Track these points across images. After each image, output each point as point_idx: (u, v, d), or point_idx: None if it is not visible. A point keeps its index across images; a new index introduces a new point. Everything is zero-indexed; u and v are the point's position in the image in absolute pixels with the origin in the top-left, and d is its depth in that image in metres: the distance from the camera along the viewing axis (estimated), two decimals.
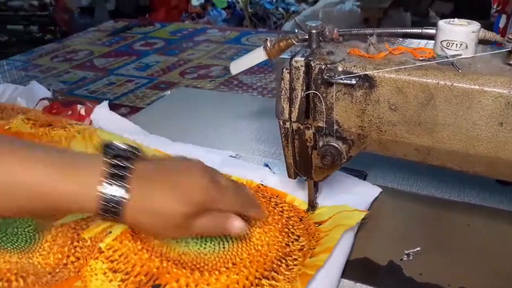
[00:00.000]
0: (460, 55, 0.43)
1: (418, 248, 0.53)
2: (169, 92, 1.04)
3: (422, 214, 0.60)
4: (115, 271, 0.49)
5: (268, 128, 0.82)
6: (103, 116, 0.84)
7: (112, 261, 0.50)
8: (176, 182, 0.44)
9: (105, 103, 0.88)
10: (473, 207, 0.60)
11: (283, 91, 0.51)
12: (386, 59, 0.45)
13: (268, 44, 0.56)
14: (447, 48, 0.44)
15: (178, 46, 1.38)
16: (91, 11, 2.79)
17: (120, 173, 0.42)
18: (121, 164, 0.42)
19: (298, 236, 0.55)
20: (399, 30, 0.47)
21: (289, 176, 0.60)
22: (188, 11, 2.28)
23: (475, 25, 0.43)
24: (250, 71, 1.11)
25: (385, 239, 0.56)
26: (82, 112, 0.87)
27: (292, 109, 0.51)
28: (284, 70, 0.49)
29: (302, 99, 0.50)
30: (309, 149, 0.54)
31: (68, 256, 0.53)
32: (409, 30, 0.47)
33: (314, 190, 0.60)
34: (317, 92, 0.48)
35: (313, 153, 0.54)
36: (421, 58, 0.44)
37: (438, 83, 0.41)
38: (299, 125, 0.52)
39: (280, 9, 2.23)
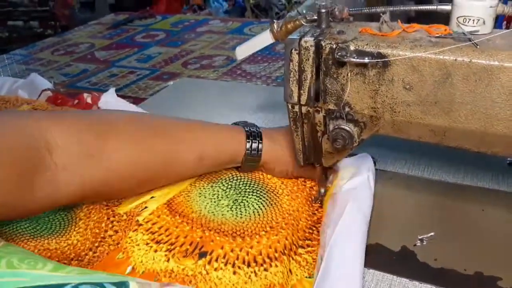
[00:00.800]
0: (478, 31, 0.42)
1: (432, 233, 0.52)
2: (172, 82, 1.03)
3: (435, 199, 0.58)
4: (158, 242, 0.52)
5: (272, 117, 0.81)
6: (111, 103, 0.84)
7: (152, 233, 0.53)
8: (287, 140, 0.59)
9: (112, 90, 0.87)
10: (486, 191, 0.59)
11: (291, 73, 0.49)
12: (400, 37, 0.44)
13: (275, 26, 0.55)
14: (464, 24, 0.42)
15: (180, 37, 1.36)
16: (92, 6, 2.77)
17: (254, 134, 0.59)
18: (253, 130, 0.59)
19: (321, 204, 0.57)
20: (412, 8, 0.46)
21: (298, 162, 0.59)
22: (189, 3, 2.26)
23: (492, 0, 0.42)
24: (254, 60, 1.10)
25: (397, 225, 0.55)
26: (89, 100, 0.86)
27: (301, 92, 0.49)
28: (293, 51, 0.48)
29: (312, 81, 0.48)
30: (319, 134, 0.53)
31: (105, 231, 0.55)
32: (423, 7, 0.46)
33: (323, 177, 0.59)
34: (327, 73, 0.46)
35: (323, 137, 0.53)
36: (437, 35, 0.43)
37: (455, 60, 0.40)
38: (309, 108, 0.51)
39: None
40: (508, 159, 0.64)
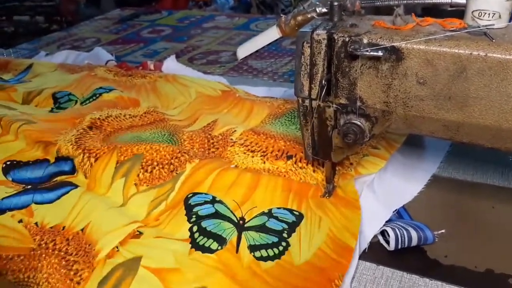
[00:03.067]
0: (493, 25, 0.41)
1: (443, 230, 0.52)
2: None
3: (445, 196, 0.58)
4: (253, 151, 0.66)
5: None
6: (172, 68, 1.01)
7: (246, 146, 0.68)
8: None
9: (173, 57, 1.04)
10: (497, 188, 0.58)
11: (303, 67, 0.49)
12: (414, 31, 0.43)
13: (283, 19, 0.54)
14: (479, 19, 0.42)
15: (186, 32, 1.36)
16: (97, 1, 2.76)
17: None
18: None
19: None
20: (427, 1, 0.45)
21: (306, 158, 0.58)
22: (194, 0, 2.26)
23: None
24: (260, 56, 1.09)
25: None
26: (152, 67, 1.03)
27: (312, 85, 0.49)
28: (305, 44, 0.47)
29: (323, 75, 0.48)
30: (329, 128, 0.52)
31: (208, 148, 0.69)
32: (438, 1, 0.45)
33: (332, 173, 0.58)
34: (339, 66, 0.46)
35: (333, 132, 0.52)
36: (452, 29, 0.42)
37: (471, 53, 0.39)
38: (319, 102, 0.50)
39: None
40: None
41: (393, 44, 0.42)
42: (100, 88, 0.89)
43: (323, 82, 0.47)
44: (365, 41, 0.44)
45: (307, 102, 0.51)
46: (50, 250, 0.53)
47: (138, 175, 0.62)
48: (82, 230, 0.55)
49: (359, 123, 0.48)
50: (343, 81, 0.47)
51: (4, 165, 0.68)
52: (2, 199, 0.62)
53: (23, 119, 0.77)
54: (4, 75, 1.04)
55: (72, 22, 2.44)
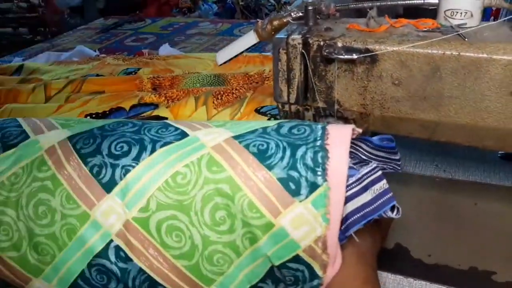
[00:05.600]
0: (466, 24, 0.41)
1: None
2: None
3: (427, 195, 0.58)
4: None
5: None
6: (168, 52, 1.15)
7: None
8: None
9: (166, 45, 1.18)
10: (479, 185, 0.59)
11: (280, 73, 0.49)
12: (388, 32, 0.44)
13: (260, 25, 0.54)
14: (451, 18, 0.42)
15: (169, 40, 1.36)
16: (81, 11, 2.75)
17: None
18: None
19: None
20: (399, 2, 0.45)
21: None
22: (178, 6, 2.25)
23: None
24: None
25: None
26: (146, 54, 1.16)
27: (291, 90, 0.49)
28: (281, 50, 0.47)
29: (301, 79, 0.48)
30: None
31: (250, 83, 0.86)
32: (410, 1, 0.45)
33: None
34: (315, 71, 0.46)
35: None
36: (425, 29, 0.42)
37: (444, 53, 0.40)
38: (298, 107, 0.50)
39: (272, 0, 2.21)
40: (500, 152, 0.64)
41: (367, 46, 0.42)
42: (127, 69, 0.99)
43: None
44: (339, 44, 0.44)
45: (286, 107, 0.51)
46: None
47: (213, 102, 0.78)
48: None
49: None
50: (320, 85, 0.47)
51: (85, 118, 0.75)
52: None
53: (92, 89, 0.88)
54: None
55: (56, 32, 2.43)
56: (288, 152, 0.35)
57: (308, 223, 0.34)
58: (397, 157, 0.43)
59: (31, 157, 0.40)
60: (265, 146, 0.36)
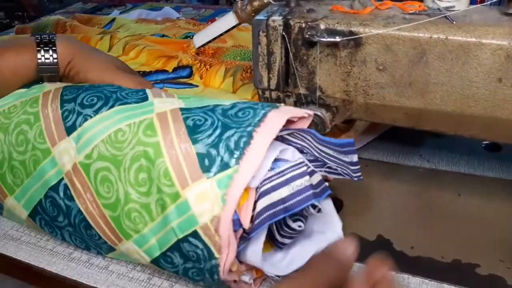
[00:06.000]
0: (453, 7, 0.40)
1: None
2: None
3: (410, 185, 0.57)
4: None
5: None
6: None
7: None
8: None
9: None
10: (463, 176, 0.57)
11: (260, 57, 0.46)
12: (373, 15, 0.41)
13: (239, 5, 0.51)
14: (439, 0, 0.40)
15: None
16: None
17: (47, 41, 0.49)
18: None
19: None
20: None
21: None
22: None
23: None
24: None
25: (373, 213, 0.53)
26: None
27: (271, 75, 0.47)
28: (261, 32, 0.45)
29: (281, 64, 0.45)
30: None
31: None
32: None
33: None
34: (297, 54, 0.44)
35: None
36: (411, 12, 0.40)
37: (430, 37, 0.38)
38: (279, 93, 0.48)
39: None
40: (484, 143, 0.62)
41: (351, 29, 0.40)
42: (189, 33, 1.07)
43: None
44: (322, 27, 0.42)
45: (267, 93, 0.49)
46: None
47: (242, 74, 0.80)
48: None
49: (319, 113, 0.46)
50: (301, 70, 0.45)
51: None
52: None
53: (145, 43, 0.97)
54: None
55: (34, 17, 2.36)
56: (217, 132, 0.37)
57: (209, 201, 0.35)
58: (350, 160, 0.41)
59: (32, 96, 0.46)
60: (201, 122, 0.38)
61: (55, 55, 0.48)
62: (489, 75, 0.37)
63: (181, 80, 0.87)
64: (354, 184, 0.56)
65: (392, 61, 0.40)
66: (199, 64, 0.88)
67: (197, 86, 0.83)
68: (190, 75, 0.87)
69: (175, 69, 0.89)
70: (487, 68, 0.37)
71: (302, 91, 0.46)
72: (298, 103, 0.47)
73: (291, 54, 0.44)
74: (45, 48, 0.48)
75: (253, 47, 0.46)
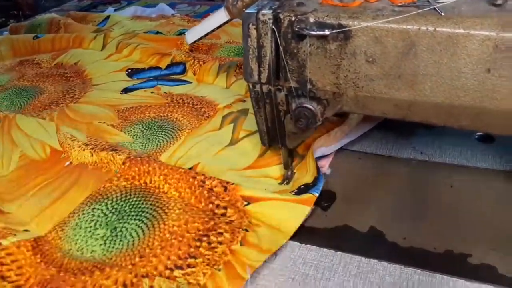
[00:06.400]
0: None
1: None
2: None
3: (403, 177, 0.57)
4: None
5: None
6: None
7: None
8: None
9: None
10: (456, 167, 0.58)
11: (250, 50, 0.46)
12: (362, 7, 0.41)
13: (231, 1, 0.52)
14: None
15: None
16: None
17: None
18: None
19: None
20: None
21: (263, 144, 0.56)
22: None
23: None
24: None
25: (365, 205, 0.53)
26: None
27: (262, 69, 0.47)
28: (251, 26, 0.45)
29: (272, 57, 0.45)
30: (282, 114, 0.50)
31: None
32: None
33: (289, 159, 0.56)
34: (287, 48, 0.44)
35: (286, 117, 0.50)
36: (400, 4, 0.40)
37: (419, 29, 0.38)
38: (270, 87, 0.48)
39: None
40: (477, 134, 0.63)
41: (340, 22, 0.40)
42: (184, 29, 1.09)
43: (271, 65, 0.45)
44: (311, 20, 0.42)
45: (257, 87, 0.49)
46: (181, 103, 0.75)
47: (235, 70, 0.82)
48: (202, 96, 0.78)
49: (310, 106, 0.46)
50: (292, 64, 0.45)
51: (127, 72, 0.89)
52: (133, 85, 0.83)
53: (138, 42, 0.98)
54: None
55: (30, 15, 2.35)
56: None
57: None
58: None
59: None
60: None
61: None
62: (478, 66, 0.37)
63: (175, 76, 0.87)
64: (347, 176, 0.57)
65: (382, 53, 0.40)
66: (192, 60, 0.88)
67: (190, 82, 0.84)
68: (183, 71, 0.87)
69: (168, 66, 0.90)
70: (476, 59, 0.37)
71: (292, 84, 0.46)
72: (289, 96, 0.48)
73: (281, 48, 0.44)
74: None
75: (243, 40, 0.46)
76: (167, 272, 0.44)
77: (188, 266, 0.44)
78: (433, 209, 0.52)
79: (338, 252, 0.47)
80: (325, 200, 0.53)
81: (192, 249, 0.46)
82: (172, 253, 0.45)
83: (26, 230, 0.50)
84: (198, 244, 0.46)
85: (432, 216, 0.51)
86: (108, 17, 1.26)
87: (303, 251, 0.48)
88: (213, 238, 0.46)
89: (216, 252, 0.45)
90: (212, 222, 0.48)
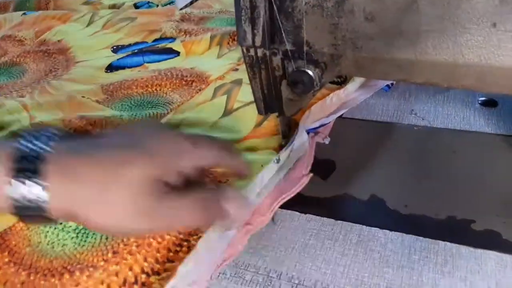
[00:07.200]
0: None
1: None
2: None
3: (405, 144, 0.55)
4: None
5: None
6: None
7: None
8: (106, 185, 0.31)
9: None
10: (457, 133, 0.56)
11: (243, 11, 0.44)
12: None
13: None
14: None
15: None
16: None
17: (32, 167, 0.30)
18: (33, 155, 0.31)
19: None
20: None
21: (259, 113, 0.54)
22: None
23: None
24: None
25: (366, 173, 0.52)
26: None
27: (255, 31, 0.44)
28: None
29: (266, 19, 0.43)
30: (278, 79, 0.48)
31: None
32: None
33: (287, 128, 0.55)
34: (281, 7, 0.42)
35: (283, 83, 0.48)
36: None
37: None
38: (265, 50, 0.46)
39: None
40: (480, 99, 0.61)
41: None
42: (173, 1, 1.09)
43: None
44: None
45: (252, 51, 0.47)
46: (169, 76, 0.72)
47: (228, 43, 0.81)
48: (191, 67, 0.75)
49: (307, 70, 0.44)
50: (287, 24, 0.43)
51: (112, 49, 0.86)
52: (117, 60, 0.80)
53: (126, 17, 0.96)
54: None
55: None
56: None
57: None
58: None
59: None
60: None
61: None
62: (483, 20, 0.35)
63: (160, 46, 0.84)
64: (347, 144, 0.55)
65: (381, 9, 0.38)
66: (183, 35, 0.86)
67: (178, 53, 0.81)
68: (170, 42, 0.85)
69: (156, 41, 0.87)
70: (481, 13, 0.35)
71: (288, 46, 0.44)
72: (285, 60, 0.45)
73: (275, 7, 0.42)
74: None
75: (235, 1, 0.44)
76: (143, 276, 0.39)
77: (165, 270, 0.39)
78: (435, 175, 0.50)
79: (339, 221, 0.46)
80: (325, 169, 0.52)
81: (171, 254, 0.41)
82: (149, 255, 0.41)
83: None
84: (178, 249, 0.41)
85: (434, 183, 0.49)
86: None
87: (302, 221, 0.46)
88: (193, 243, 0.42)
89: None
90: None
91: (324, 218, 0.46)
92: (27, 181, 0.30)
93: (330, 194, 0.49)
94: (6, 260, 0.43)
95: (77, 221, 0.33)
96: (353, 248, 0.43)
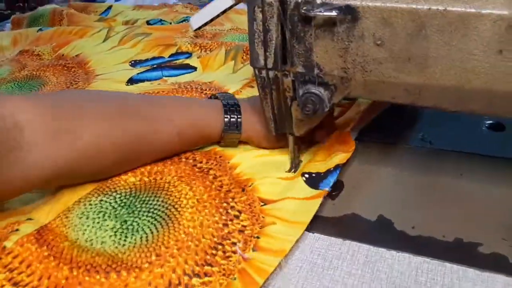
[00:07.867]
0: None
1: None
2: None
3: (411, 165, 0.56)
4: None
5: None
6: None
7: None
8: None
9: None
10: (465, 156, 0.56)
11: (256, 34, 0.45)
12: None
13: None
14: None
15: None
16: None
17: (233, 108, 0.57)
18: (231, 103, 0.57)
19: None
20: None
21: (269, 132, 0.55)
22: None
23: None
24: None
25: (373, 193, 0.52)
26: None
27: (268, 54, 0.46)
28: (256, 8, 0.44)
29: (278, 42, 0.44)
30: (289, 100, 0.50)
31: None
32: None
33: (295, 148, 0.56)
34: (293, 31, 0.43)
35: (293, 104, 0.50)
36: None
37: (429, 9, 0.37)
38: (276, 72, 0.47)
39: None
40: (487, 122, 0.62)
41: (347, 3, 0.39)
42: (188, 16, 1.12)
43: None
44: (318, 1, 0.41)
45: (264, 73, 0.48)
46: (189, 89, 0.74)
47: (242, 57, 0.84)
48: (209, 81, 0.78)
49: (318, 92, 0.45)
50: (298, 47, 0.44)
51: (130, 63, 0.89)
52: (137, 74, 0.83)
53: (141, 33, 1.00)
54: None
55: (35, 7, 2.35)
56: None
57: None
58: None
59: None
60: None
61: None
62: (489, 47, 0.36)
63: (178, 62, 0.87)
64: (356, 165, 0.56)
65: (390, 35, 0.39)
66: (199, 49, 0.89)
67: (195, 69, 0.84)
68: (186, 58, 0.88)
69: (172, 55, 0.90)
70: (487, 40, 0.36)
71: (299, 69, 0.45)
72: (296, 82, 0.47)
73: (287, 31, 0.43)
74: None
75: (248, 25, 0.45)
76: (186, 278, 0.41)
77: (205, 274, 0.41)
78: (443, 197, 0.51)
79: (346, 241, 0.46)
80: (333, 189, 0.52)
81: (208, 257, 0.43)
82: (189, 257, 0.43)
83: (29, 219, 0.49)
84: (214, 252, 0.43)
85: (441, 205, 0.50)
86: (110, 7, 1.27)
87: (310, 240, 0.47)
88: (227, 248, 0.44)
89: (230, 261, 0.43)
90: (226, 230, 0.46)
91: (332, 237, 0.47)
92: (231, 115, 0.56)
93: (338, 213, 0.49)
94: (46, 254, 0.43)
95: (250, 140, 0.59)
96: (360, 268, 0.43)
